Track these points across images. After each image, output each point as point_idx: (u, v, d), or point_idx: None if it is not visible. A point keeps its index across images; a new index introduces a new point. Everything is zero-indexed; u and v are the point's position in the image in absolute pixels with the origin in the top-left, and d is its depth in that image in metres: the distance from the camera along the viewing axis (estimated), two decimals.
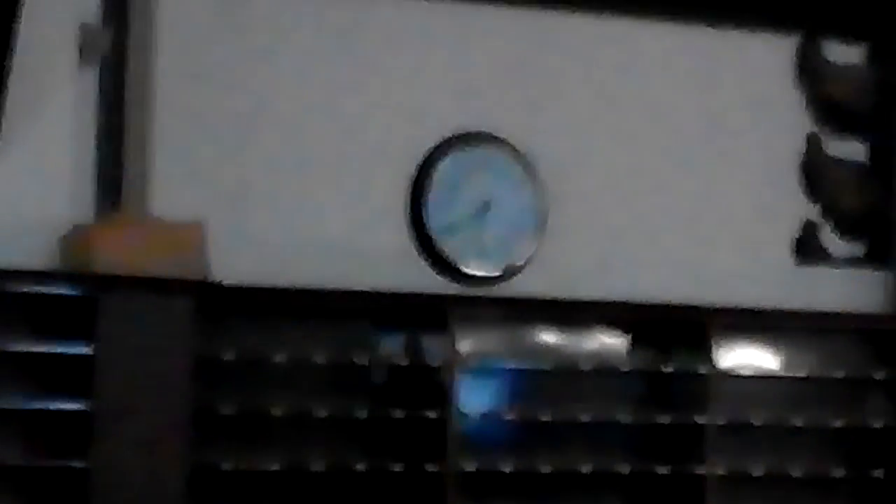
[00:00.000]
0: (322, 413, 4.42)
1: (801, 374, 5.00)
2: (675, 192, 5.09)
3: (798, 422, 4.82)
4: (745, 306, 4.94)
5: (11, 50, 4.39)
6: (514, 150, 4.77)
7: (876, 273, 5.21)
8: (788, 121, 5.15)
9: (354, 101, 4.77)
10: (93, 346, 4.17)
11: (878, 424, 5.00)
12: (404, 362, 4.57)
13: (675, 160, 5.08)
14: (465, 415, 4.53)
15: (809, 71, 5.07)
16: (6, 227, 4.27)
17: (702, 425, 4.75)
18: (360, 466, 4.37)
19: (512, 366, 4.80)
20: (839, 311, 5.07)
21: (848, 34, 5.30)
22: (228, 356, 4.35)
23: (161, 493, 4.15)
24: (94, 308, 4.17)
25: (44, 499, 4.29)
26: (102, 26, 4.56)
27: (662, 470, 4.62)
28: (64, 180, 4.54)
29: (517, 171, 4.72)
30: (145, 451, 4.25)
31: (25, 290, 4.16)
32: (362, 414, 4.46)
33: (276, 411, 4.31)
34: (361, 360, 4.51)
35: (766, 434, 4.83)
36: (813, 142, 5.00)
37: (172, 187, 4.56)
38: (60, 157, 4.58)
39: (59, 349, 4.24)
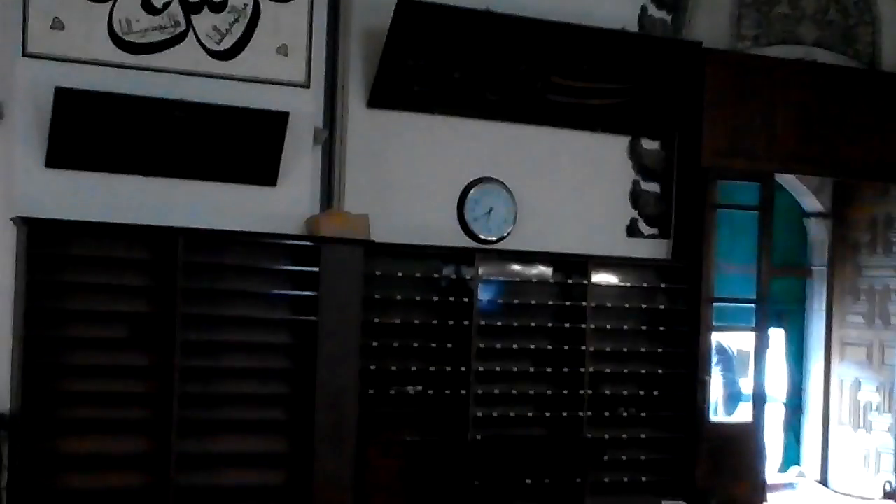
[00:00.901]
0: (418, 297, 7.97)
1: (629, 284, 8.68)
2: (573, 208, 8.65)
3: (628, 304, 8.61)
4: (603, 255, 8.57)
5: (284, 139, 7.22)
6: (505, 186, 8.37)
7: (663, 241, 8.88)
8: (626, 175, 8.81)
9: (441, 172, 8.22)
10: (319, 268, 7.39)
11: (663, 305, 8.73)
12: (454, 276, 8.12)
13: (575, 195, 8.69)
14: (481, 300, 8.11)
15: (635, 153, 8.78)
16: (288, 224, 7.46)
17: (584, 306, 8.40)
18: (435, 322, 7.99)
19: (499, 283, 8.37)
20: (647, 258, 8.77)
21: (653, 136, 8.86)
22: (379, 272, 7.77)
23: (348, 338, 7.43)
24: (319, 252, 7.42)
25: (296, 335, 7.54)
26: (323, 126, 7.61)
27: (567, 325, 8.34)
28: (306, 196, 7.60)
29: (505, 195, 8.33)
30: (341, 314, 7.42)
31: (290, 243, 7.45)
32: (436, 298, 8.04)
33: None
34: (437, 275, 8.12)
35: (613, 311, 8.56)
36: (636, 184, 8.76)
37: (354, 201, 7.81)
38: (304, 188, 7.61)
39: (304, 268, 7.45)
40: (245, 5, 7.31)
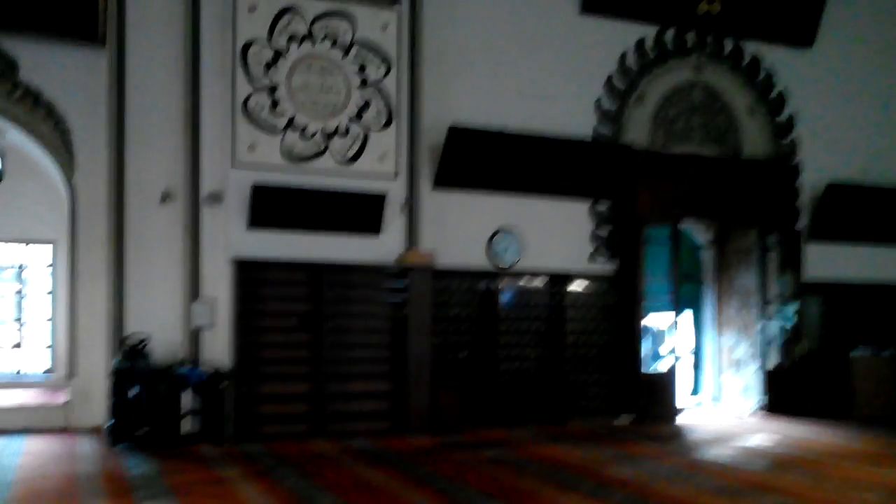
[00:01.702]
0: (465, 300, 11.23)
1: (591, 289, 11.81)
2: (557, 244, 11.55)
3: (592, 301, 11.63)
4: (576, 271, 11.66)
5: (384, 208, 10.45)
6: (515, 233, 11.51)
7: (612, 262, 11.70)
8: (588, 224, 11.66)
9: (476, 225, 11.14)
10: (406, 283, 10.63)
11: (613, 301, 11.71)
12: (486, 287, 11.46)
13: (558, 236, 11.54)
14: (503, 302, 11.38)
15: (594, 210, 11.74)
16: (379, 261, 10.70)
17: (565, 306, 11.62)
18: (475, 314, 11.24)
19: (512, 290, 11.52)
20: (602, 273, 11.78)
21: (605, 199, 11.58)
22: (441, 286, 11.03)
23: (424, 324, 10.51)
24: (406, 273, 10.71)
25: (394, 324, 10.72)
26: (407, 200, 10.82)
27: (554, 315, 11.56)
28: (398, 241, 10.67)
29: (517, 238, 11.45)
30: (420, 311, 10.58)
31: (390, 269, 10.73)
32: (475, 300, 11.38)
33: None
34: (479, 288, 11.31)
35: (583, 305, 11.63)
36: (594, 228, 11.63)
37: (426, 244, 10.89)
38: (397, 236, 10.66)
39: (398, 286, 10.65)
40: (359, 133, 10.86)
